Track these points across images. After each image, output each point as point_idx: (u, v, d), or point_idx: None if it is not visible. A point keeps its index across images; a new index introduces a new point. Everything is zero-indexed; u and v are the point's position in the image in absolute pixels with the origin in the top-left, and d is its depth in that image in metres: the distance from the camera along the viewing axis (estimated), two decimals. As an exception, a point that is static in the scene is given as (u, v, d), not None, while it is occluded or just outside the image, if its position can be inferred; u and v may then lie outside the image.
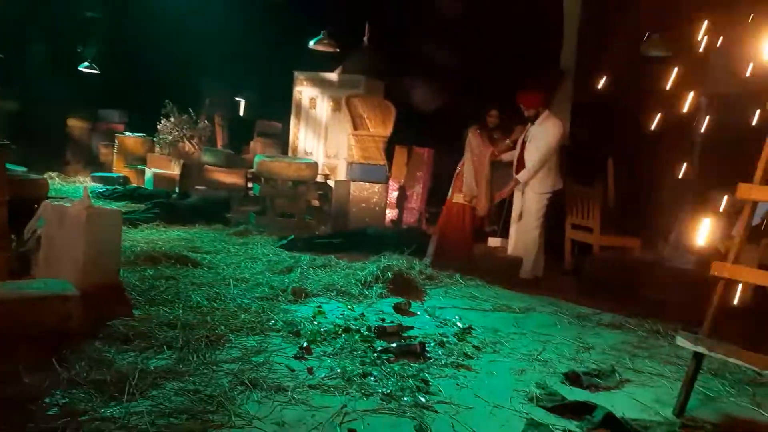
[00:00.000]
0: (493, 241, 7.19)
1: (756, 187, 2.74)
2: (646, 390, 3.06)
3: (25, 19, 10.09)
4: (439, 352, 3.32)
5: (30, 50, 10.84)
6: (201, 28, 10.04)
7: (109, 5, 9.03)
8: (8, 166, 3.85)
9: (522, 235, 5.49)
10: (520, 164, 5.40)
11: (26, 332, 2.82)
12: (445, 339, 3.52)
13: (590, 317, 4.32)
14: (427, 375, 2.96)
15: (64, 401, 2.33)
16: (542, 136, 5.26)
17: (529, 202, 5.43)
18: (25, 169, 5.45)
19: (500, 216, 7.53)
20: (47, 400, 2.33)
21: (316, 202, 8.18)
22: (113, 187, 8.85)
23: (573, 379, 3.04)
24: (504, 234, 7.07)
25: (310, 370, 2.90)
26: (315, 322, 3.63)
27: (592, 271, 5.00)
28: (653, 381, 3.19)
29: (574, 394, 2.88)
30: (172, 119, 9.86)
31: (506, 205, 7.20)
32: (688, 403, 2.78)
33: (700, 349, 2.68)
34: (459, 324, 3.83)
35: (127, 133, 10.79)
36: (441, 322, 3.89)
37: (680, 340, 2.76)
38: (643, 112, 6.70)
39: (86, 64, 9.42)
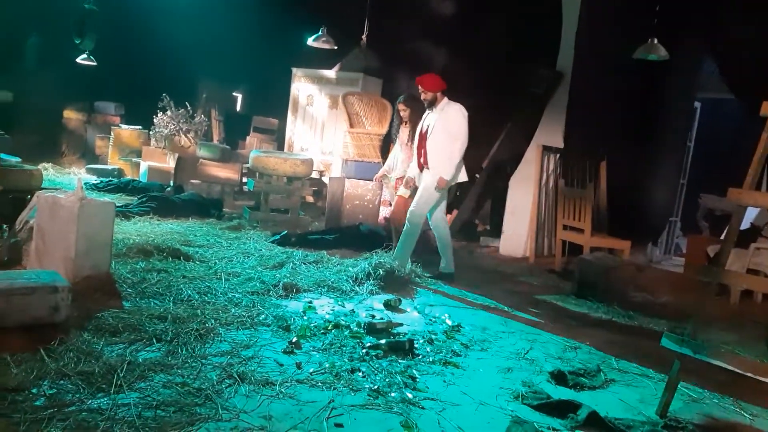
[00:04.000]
0: (485, 241, 7.23)
1: (745, 192, 2.77)
2: (630, 390, 3.09)
3: (22, 11, 10.06)
4: (428, 349, 3.34)
5: (27, 41, 10.81)
6: (199, 22, 10.03)
7: (106, -2, 9.01)
8: (2, 155, 3.84)
9: (435, 229, 5.20)
10: (422, 155, 5.04)
11: (15, 322, 2.83)
12: (433, 336, 3.55)
13: (578, 317, 4.35)
14: (415, 372, 2.98)
15: (51, 392, 2.34)
16: (450, 123, 4.88)
17: (428, 191, 5.02)
18: (18, 159, 5.45)
19: (492, 215, 7.57)
20: (34, 390, 2.34)
21: (310, 199, 8.19)
22: (108, 180, 8.84)
23: (559, 378, 3.07)
24: (495, 234, 7.12)
25: (298, 365, 2.92)
26: (305, 318, 3.65)
27: (582, 272, 5.04)
28: (638, 381, 3.22)
29: (560, 393, 2.90)
30: (168, 113, 9.85)
31: (498, 204, 7.24)
32: (671, 403, 2.81)
33: (685, 351, 2.72)
34: (448, 322, 3.86)
35: (123, 126, 10.77)
36: (430, 320, 3.92)
37: (665, 342, 2.80)
38: (636, 114, 6.76)
39: (84, 56, 9.39)
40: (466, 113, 4.91)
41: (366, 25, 7.71)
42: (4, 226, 4.05)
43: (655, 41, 5.87)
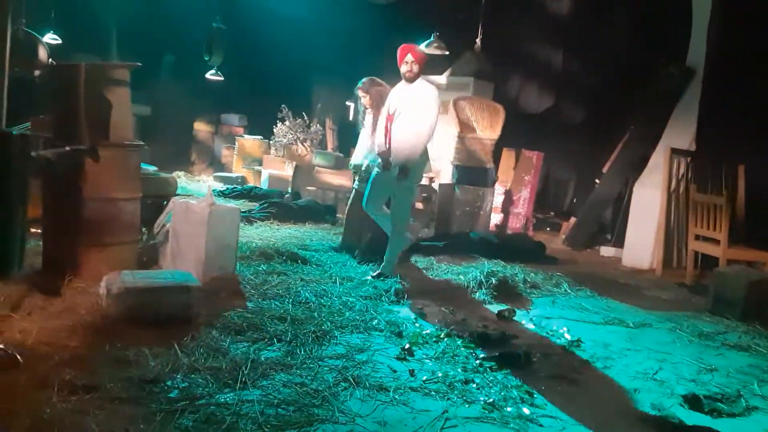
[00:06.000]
0: (607, 251, 6.84)
1: None
2: (778, 420, 2.77)
3: (158, 31, 11.03)
4: (545, 363, 3.20)
5: (162, 59, 11.83)
6: (315, 36, 10.45)
7: (233, 17, 9.63)
8: (141, 165, 4.20)
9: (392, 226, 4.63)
10: (386, 138, 4.49)
11: (153, 317, 3.07)
12: (551, 351, 3.39)
13: (714, 336, 3.98)
14: (531, 387, 2.86)
15: (183, 385, 2.51)
16: (421, 101, 4.39)
17: (404, 191, 4.55)
18: (155, 168, 5.95)
19: (614, 222, 7.15)
20: (168, 383, 2.51)
21: (420, 205, 8.21)
22: (232, 186, 9.42)
23: (693, 402, 2.81)
24: (619, 243, 6.71)
25: (411, 372, 2.91)
26: (417, 325, 3.64)
27: (718, 287, 4.60)
28: (787, 411, 2.88)
29: (694, 419, 2.66)
30: (287, 123, 10.34)
31: (622, 210, 6.82)
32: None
33: None
34: (567, 336, 3.67)
35: (246, 136, 11.46)
36: (547, 333, 3.76)
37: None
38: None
39: (212, 71, 10.10)
40: (438, 96, 4.48)
41: (480, 28, 7.59)
42: (144, 229, 4.42)
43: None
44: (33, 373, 2.44)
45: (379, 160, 4.60)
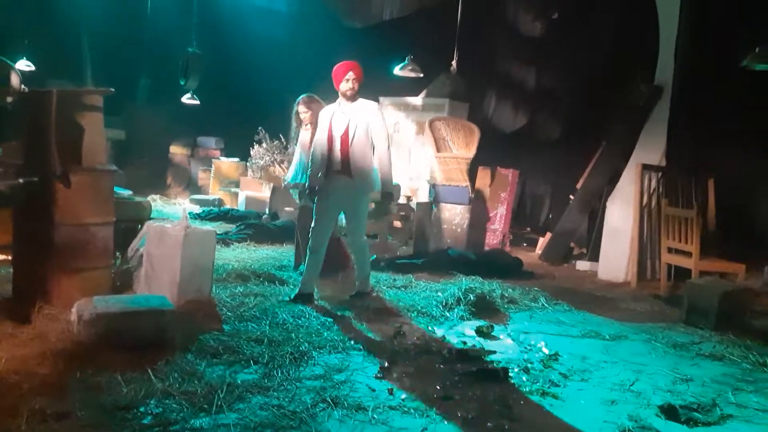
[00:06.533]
0: (583, 265, 6.92)
1: None
2: (750, 426, 2.80)
3: (134, 55, 11.01)
4: (524, 378, 3.21)
5: (138, 84, 11.79)
6: (289, 59, 10.52)
7: (208, 41, 9.66)
8: (115, 189, 4.17)
9: (355, 242, 4.58)
10: (344, 161, 4.32)
11: (126, 343, 3.02)
12: (529, 365, 3.40)
13: (688, 346, 4.03)
14: (510, 401, 2.87)
15: (157, 410, 2.46)
16: (378, 124, 4.35)
17: (364, 204, 4.55)
18: (130, 192, 5.90)
19: (589, 237, 7.25)
20: (142, 408, 2.47)
21: (398, 224, 8.23)
22: (209, 209, 9.36)
23: (669, 412, 2.84)
24: (594, 257, 6.79)
25: (390, 391, 2.90)
26: (395, 342, 3.63)
27: (691, 298, 4.68)
28: (759, 417, 2.91)
29: (671, 429, 2.68)
30: (264, 145, 10.33)
31: (597, 226, 6.93)
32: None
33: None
34: (545, 350, 3.69)
35: (222, 158, 11.43)
36: (526, 348, 3.77)
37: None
38: (749, 127, 6.26)
39: (188, 95, 10.09)
40: None
41: (455, 50, 7.71)
42: (117, 253, 4.36)
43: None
44: (2, 402, 2.38)
45: (336, 178, 4.38)
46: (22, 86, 4.40)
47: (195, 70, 9.46)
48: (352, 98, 4.36)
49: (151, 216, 5.18)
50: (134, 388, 2.61)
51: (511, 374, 3.19)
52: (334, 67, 4.40)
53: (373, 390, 2.90)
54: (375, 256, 6.08)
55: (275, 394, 2.73)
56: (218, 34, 10.42)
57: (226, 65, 10.65)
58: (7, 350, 2.91)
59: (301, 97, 5.27)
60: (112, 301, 3.30)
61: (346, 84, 4.32)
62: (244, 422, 2.43)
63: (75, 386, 2.62)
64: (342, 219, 4.75)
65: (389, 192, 4.51)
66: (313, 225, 4.46)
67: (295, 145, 5.50)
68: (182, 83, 9.60)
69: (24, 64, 8.96)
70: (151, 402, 2.52)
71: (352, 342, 3.56)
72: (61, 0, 10.13)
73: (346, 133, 4.33)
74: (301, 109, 5.22)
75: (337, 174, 4.37)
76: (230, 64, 10.69)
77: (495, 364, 3.31)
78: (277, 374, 2.95)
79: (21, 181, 3.54)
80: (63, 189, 3.60)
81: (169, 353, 3.03)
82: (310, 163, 4.57)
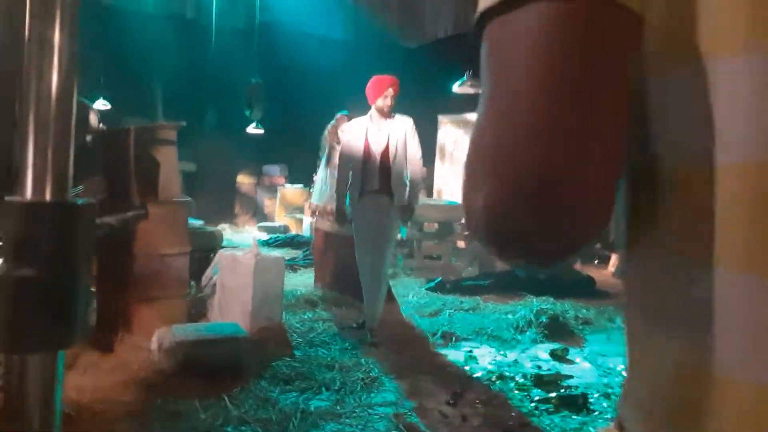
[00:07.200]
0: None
1: None
2: None
3: (201, 90, 11.53)
4: (604, 404, 3.06)
5: (204, 116, 12.32)
6: (348, 82, 10.70)
7: (270, 71, 9.99)
8: (189, 219, 4.32)
9: (373, 270, 4.04)
10: (383, 177, 4.01)
11: (203, 370, 3.09)
12: (610, 390, 3.25)
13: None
14: (591, 429, 2.74)
15: (235, 437, 2.50)
16: (414, 139, 4.13)
17: (395, 230, 4.20)
18: (202, 222, 6.12)
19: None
20: (220, 435, 2.51)
21: (462, 244, 8.13)
22: (276, 236, 9.58)
23: None
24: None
25: (464, 417, 2.83)
26: (467, 368, 3.55)
27: None
28: None
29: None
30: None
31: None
32: None
33: None
34: (624, 373, 3.51)
35: (287, 186, 11.71)
36: (604, 371, 3.61)
37: None
38: None
39: (253, 125, 10.44)
40: None
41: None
42: (192, 282, 4.50)
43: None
44: (89, 431, 2.47)
45: (373, 197, 4.05)
46: (101, 125, 4.67)
47: (258, 100, 9.79)
48: (389, 114, 4.19)
49: (223, 245, 5.34)
50: (211, 414, 2.66)
51: (591, 400, 3.05)
52: (370, 81, 4.23)
53: (446, 416, 2.84)
54: (440, 278, 6.02)
55: (348, 421, 2.72)
56: (279, 64, 10.76)
57: (288, 94, 10.97)
58: (93, 379, 3.04)
59: (341, 113, 5.19)
60: (190, 329, 3.40)
61: (384, 100, 4.13)
62: (319, 450, 2.43)
63: (156, 414, 2.70)
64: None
65: (412, 207, 4.11)
66: (357, 255, 4.11)
67: (326, 164, 5.38)
68: (247, 114, 9.95)
69: (101, 104, 9.53)
70: (228, 429, 2.56)
71: (423, 367, 3.51)
72: (131, 39, 10.76)
73: (387, 149, 4.05)
74: (342, 128, 5.06)
75: (376, 193, 4.04)
76: (292, 93, 11.01)
77: (573, 390, 3.18)
78: (349, 401, 2.95)
79: (130, 214, 3.71)
80: (142, 220, 3.77)
81: (244, 380, 3.08)
82: (333, 184, 4.36)
